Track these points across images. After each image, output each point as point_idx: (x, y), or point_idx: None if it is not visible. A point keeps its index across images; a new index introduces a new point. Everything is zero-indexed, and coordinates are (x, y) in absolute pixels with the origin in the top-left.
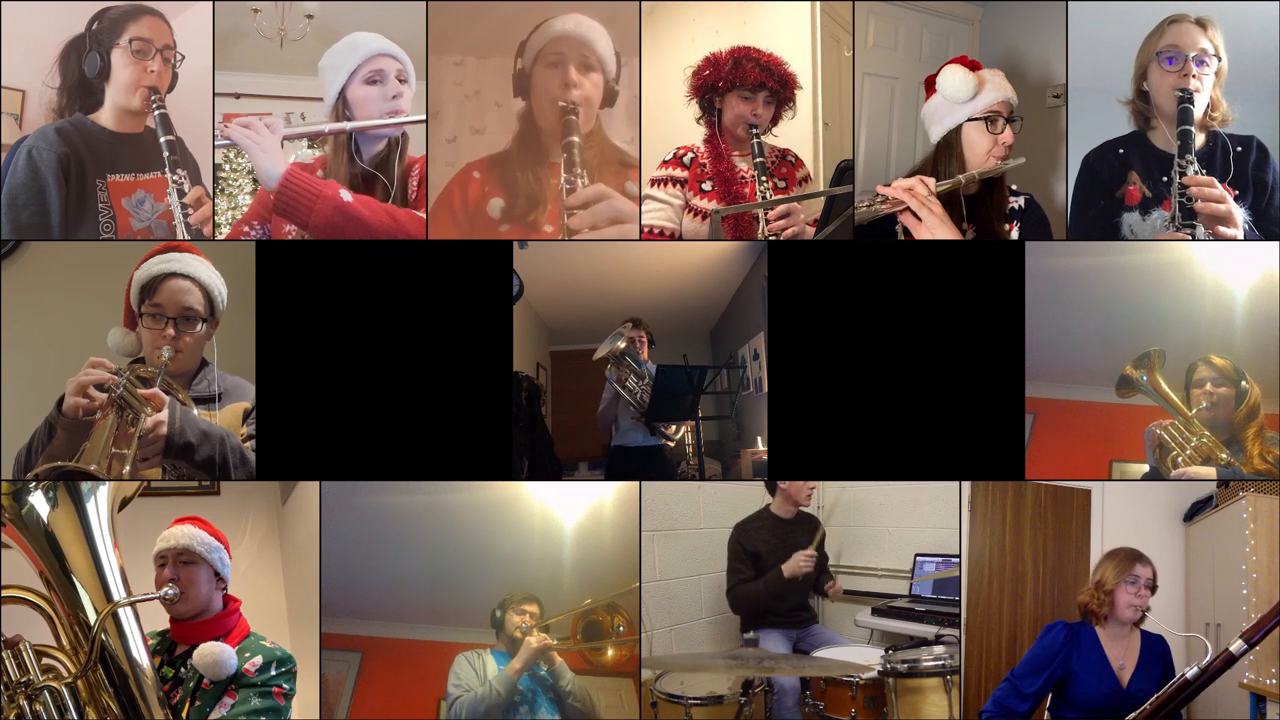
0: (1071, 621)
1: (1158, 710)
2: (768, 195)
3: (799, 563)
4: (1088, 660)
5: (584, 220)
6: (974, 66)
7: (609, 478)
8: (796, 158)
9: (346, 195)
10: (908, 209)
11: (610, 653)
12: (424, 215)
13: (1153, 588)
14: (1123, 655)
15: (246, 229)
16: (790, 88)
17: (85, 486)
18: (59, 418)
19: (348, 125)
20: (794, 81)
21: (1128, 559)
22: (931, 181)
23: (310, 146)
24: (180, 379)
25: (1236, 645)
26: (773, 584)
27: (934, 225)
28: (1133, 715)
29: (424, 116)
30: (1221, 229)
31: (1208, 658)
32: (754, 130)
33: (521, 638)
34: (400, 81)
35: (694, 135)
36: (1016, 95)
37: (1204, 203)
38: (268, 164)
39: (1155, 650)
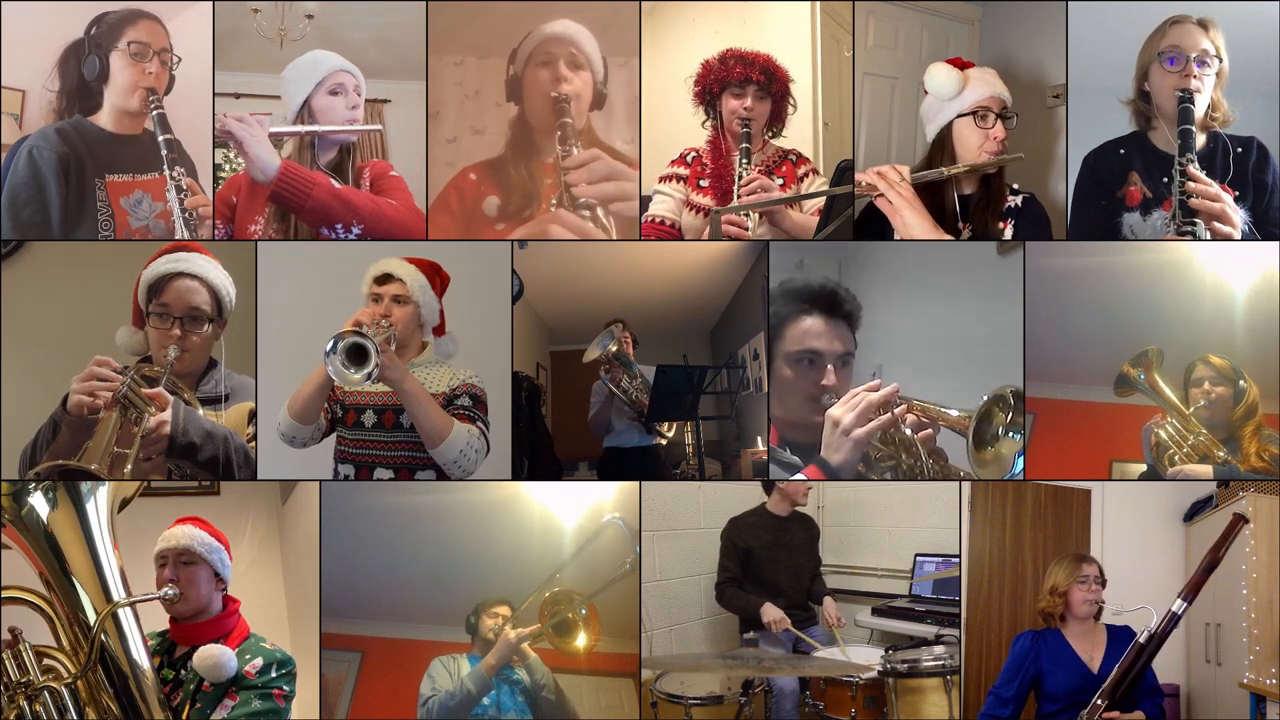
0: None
1: (1121, 678)
2: (745, 173)
3: (778, 620)
4: (1056, 656)
5: (581, 176)
6: (965, 65)
7: (602, 478)
8: (799, 155)
9: (336, 183)
10: (882, 194)
11: (582, 637)
12: (394, 202)
13: (1103, 582)
14: (1090, 649)
15: (212, 230)
16: (779, 80)
17: (85, 487)
18: (64, 415)
19: (323, 128)
20: (782, 74)
21: (1074, 561)
22: (905, 169)
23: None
24: (187, 379)
25: (1177, 604)
26: (751, 612)
27: (903, 209)
28: (1101, 688)
29: (379, 126)
30: (1217, 225)
31: (1154, 622)
32: (745, 122)
33: (495, 639)
34: (357, 94)
35: (693, 137)
36: (1011, 93)
37: (1200, 199)
38: (264, 154)
39: (1123, 640)
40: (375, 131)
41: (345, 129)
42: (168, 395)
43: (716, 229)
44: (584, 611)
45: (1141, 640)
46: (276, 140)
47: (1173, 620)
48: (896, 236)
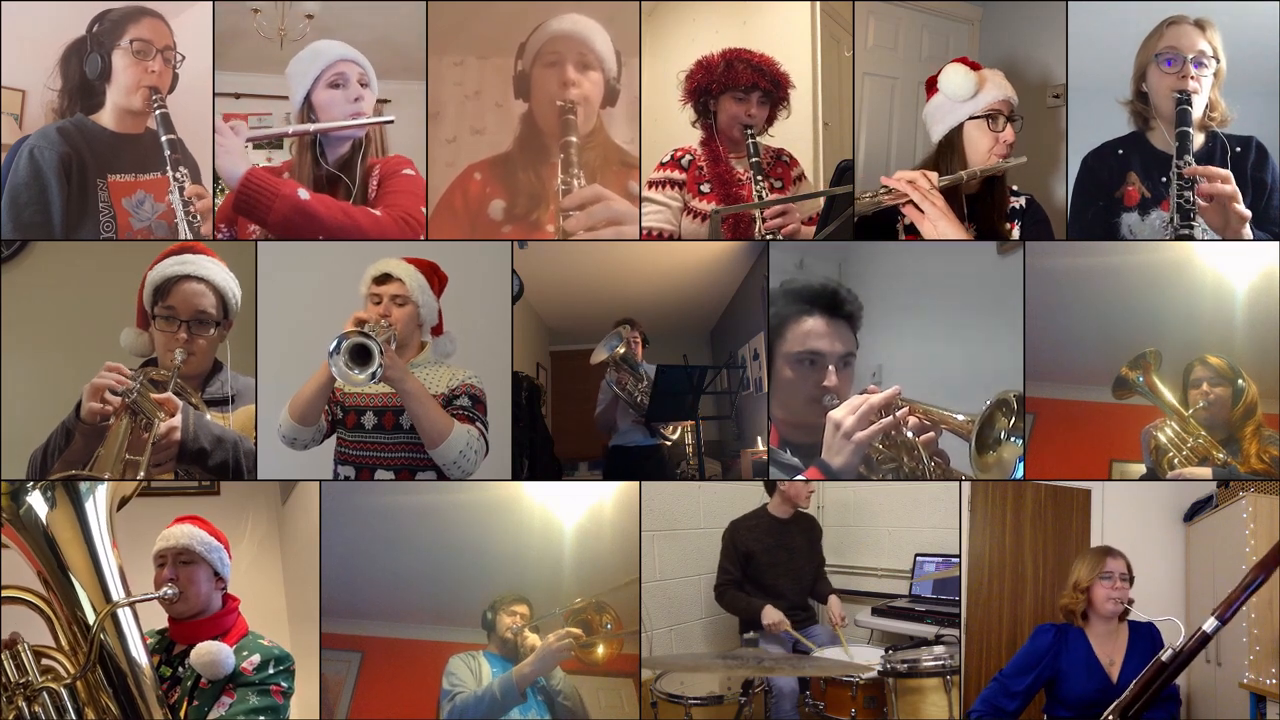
0: (1059, 624)
1: (1139, 694)
2: (764, 195)
3: (779, 624)
4: (1076, 659)
5: (580, 222)
6: (975, 67)
7: (607, 478)
8: (791, 156)
9: (304, 194)
10: (911, 201)
11: (601, 649)
12: (378, 213)
13: (1129, 579)
14: (1111, 651)
15: (214, 233)
16: (783, 87)
17: (84, 486)
18: (77, 423)
19: (311, 127)
20: (786, 81)
21: (1098, 555)
22: (935, 175)
23: (283, 148)
24: (193, 381)
25: (1210, 624)
26: (752, 614)
27: (937, 218)
28: (1115, 703)
29: (389, 118)
30: (1237, 207)
31: (1181, 639)
32: (749, 131)
33: (513, 639)
34: (361, 85)
35: (694, 137)
36: (1017, 95)
37: (1210, 184)
38: (229, 165)
39: (1146, 641)
40: (385, 124)
41: (334, 125)
42: (176, 400)
43: (715, 229)
44: (609, 626)
45: (1165, 658)
46: (275, 142)
47: (1203, 640)
48: (901, 237)
